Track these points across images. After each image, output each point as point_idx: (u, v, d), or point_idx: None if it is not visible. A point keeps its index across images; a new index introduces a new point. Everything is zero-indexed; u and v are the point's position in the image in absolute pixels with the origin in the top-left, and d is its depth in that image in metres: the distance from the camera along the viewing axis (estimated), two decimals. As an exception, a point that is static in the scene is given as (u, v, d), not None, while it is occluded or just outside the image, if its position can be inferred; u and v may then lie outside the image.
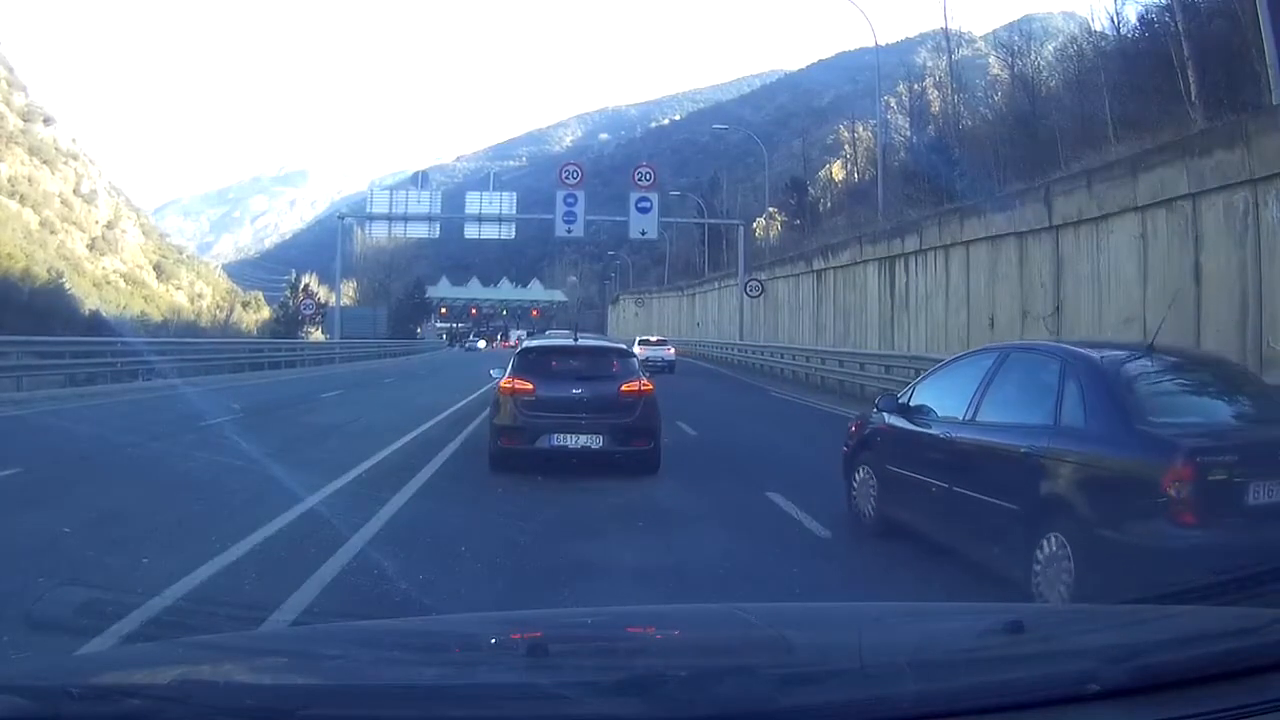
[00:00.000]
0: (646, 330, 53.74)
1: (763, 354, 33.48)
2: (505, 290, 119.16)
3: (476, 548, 6.39)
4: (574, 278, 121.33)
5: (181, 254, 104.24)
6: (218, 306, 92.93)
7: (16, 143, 76.30)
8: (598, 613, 3.33)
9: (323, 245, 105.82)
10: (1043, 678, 1.69)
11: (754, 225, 52.37)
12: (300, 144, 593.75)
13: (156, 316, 75.38)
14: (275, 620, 4.32)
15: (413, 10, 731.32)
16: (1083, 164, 17.72)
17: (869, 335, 25.70)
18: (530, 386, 9.71)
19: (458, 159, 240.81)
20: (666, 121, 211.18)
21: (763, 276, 37.81)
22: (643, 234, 40.24)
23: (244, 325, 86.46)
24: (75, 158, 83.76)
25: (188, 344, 35.44)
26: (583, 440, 9.52)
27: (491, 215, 40.45)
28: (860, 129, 54.63)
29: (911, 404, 6.78)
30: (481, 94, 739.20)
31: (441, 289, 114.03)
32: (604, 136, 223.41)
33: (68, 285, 64.34)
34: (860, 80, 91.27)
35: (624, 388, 9.79)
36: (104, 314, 59.73)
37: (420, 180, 45.28)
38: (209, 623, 4.23)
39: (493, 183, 43.37)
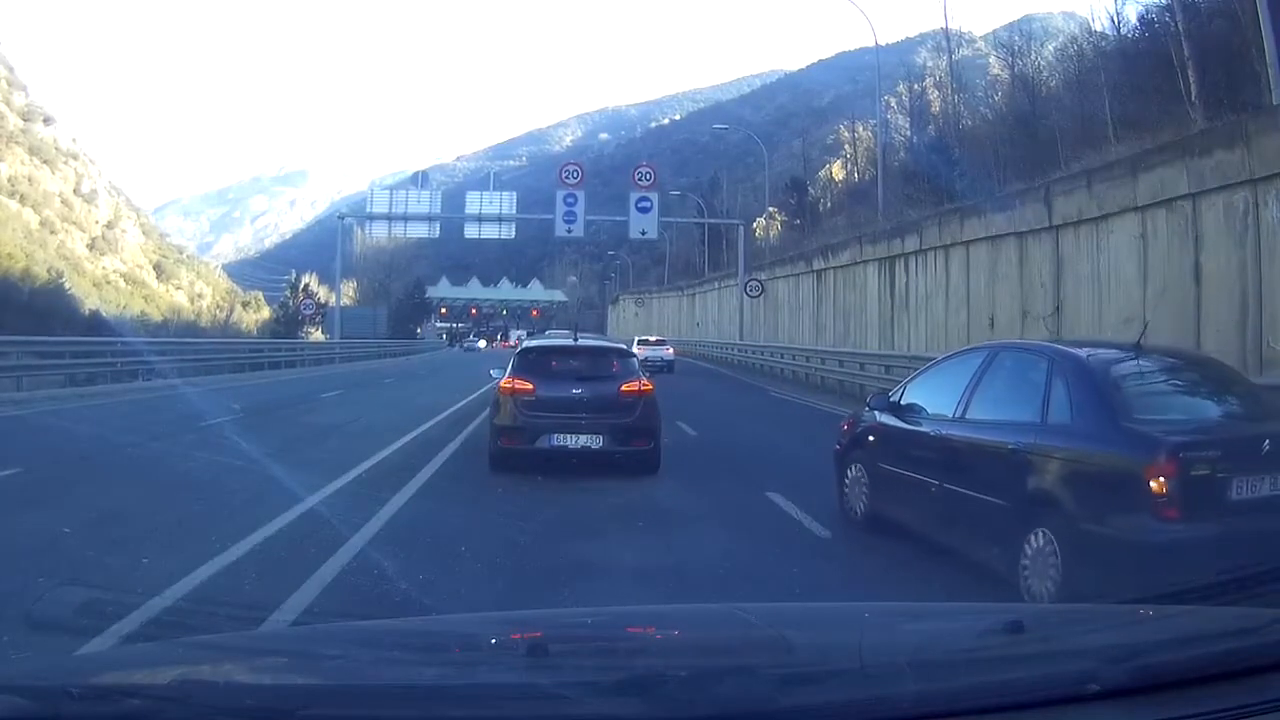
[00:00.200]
0: (646, 330, 53.82)
1: (763, 354, 33.50)
2: (505, 290, 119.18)
3: (476, 548, 6.39)
4: (574, 278, 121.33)
5: (181, 254, 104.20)
6: (218, 306, 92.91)
7: (16, 142, 76.25)
8: (598, 613, 3.33)
9: (323, 245, 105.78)
10: (1043, 678, 1.69)
11: (754, 225, 52.38)
12: (300, 144, 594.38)
13: (156, 316, 75.33)
14: (275, 620, 4.32)
15: (412, 10, 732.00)
16: (1083, 164, 17.72)
17: (869, 335, 25.70)
18: (530, 386, 9.71)
19: (458, 159, 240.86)
20: (666, 121, 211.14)
21: (763, 276, 37.81)
22: (643, 234, 40.24)
23: (244, 325, 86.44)
24: (75, 158, 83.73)
25: (188, 344, 35.41)
26: (583, 440, 9.52)
27: (491, 215, 40.45)
28: (860, 129, 54.65)
29: (902, 402, 6.87)
30: (481, 94, 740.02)
31: (441, 289, 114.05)
32: (604, 136, 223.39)
33: (68, 285, 64.32)
34: (860, 80, 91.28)
35: (624, 388, 9.79)
36: (104, 314, 59.69)
37: (420, 180, 45.26)
38: (209, 623, 4.23)
39: (493, 183, 43.31)
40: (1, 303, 48.67)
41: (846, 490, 7.41)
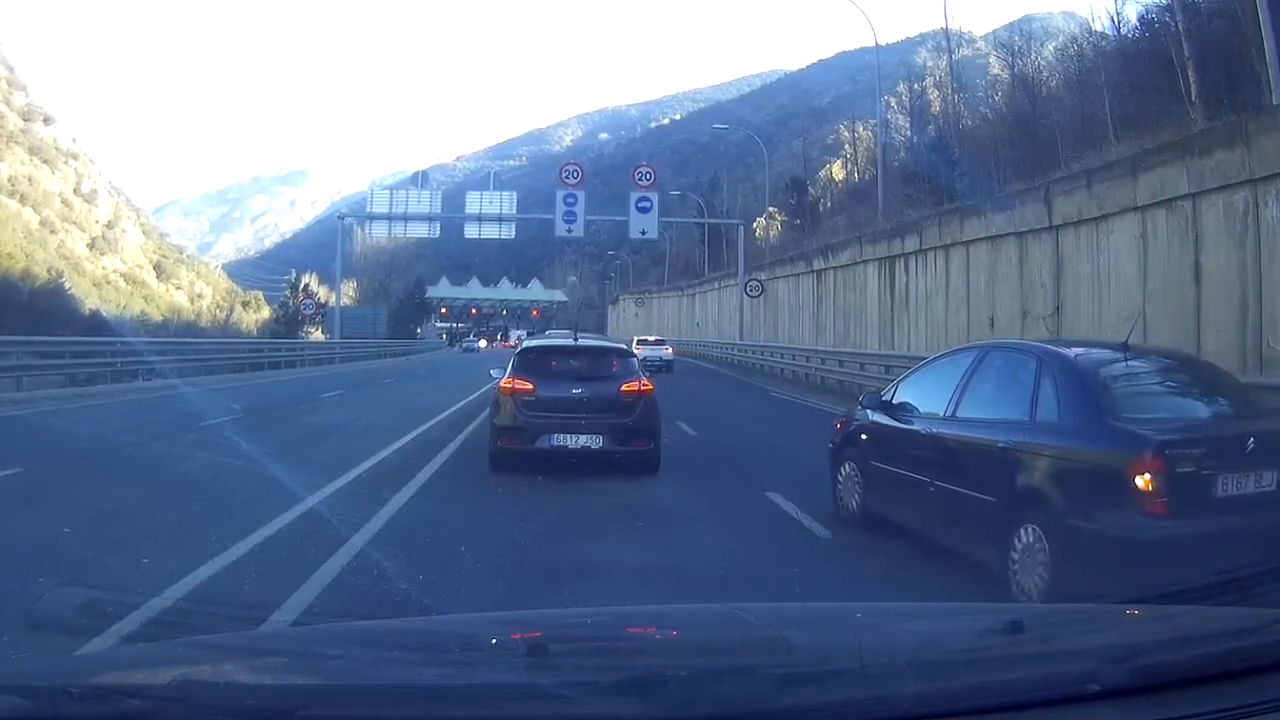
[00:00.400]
0: (646, 330, 53.93)
1: (763, 354, 33.54)
2: (505, 290, 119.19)
3: (476, 548, 6.39)
4: (574, 278, 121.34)
5: (181, 254, 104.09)
6: (218, 306, 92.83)
7: (16, 142, 76.17)
8: (598, 613, 3.33)
9: (323, 245, 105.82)
10: (1043, 678, 1.69)
11: (754, 225, 52.41)
12: (300, 144, 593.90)
13: (156, 316, 75.23)
14: (275, 620, 4.32)
15: (412, 10, 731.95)
16: (1083, 164, 17.72)
17: (869, 335, 25.70)
18: (530, 386, 9.71)
19: (458, 159, 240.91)
20: (666, 121, 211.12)
21: (763, 276, 37.83)
22: (643, 234, 40.25)
23: (244, 325, 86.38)
24: (75, 157, 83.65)
25: (188, 344, 35.42)
26: (583, 440, 9.53)
27: (491, 215, 40.46)
28: (860, 129, 54.64)
29: (894, 401, 6.94)
30: (481, 94, 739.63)
31: (441, 289, 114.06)
32: (604, 136, 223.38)
33: (68, 285, 64.26)
34: (860, 80, 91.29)
35: (624, 388, 9.79)
36: (104, 314, 59.58)
37: (420, 180, 45.28)
38: (209, 623, 4.24)
39: (493, 182, 43.32)
40: (1, 303, 48.64)
41: (840, 487, 7.52)
